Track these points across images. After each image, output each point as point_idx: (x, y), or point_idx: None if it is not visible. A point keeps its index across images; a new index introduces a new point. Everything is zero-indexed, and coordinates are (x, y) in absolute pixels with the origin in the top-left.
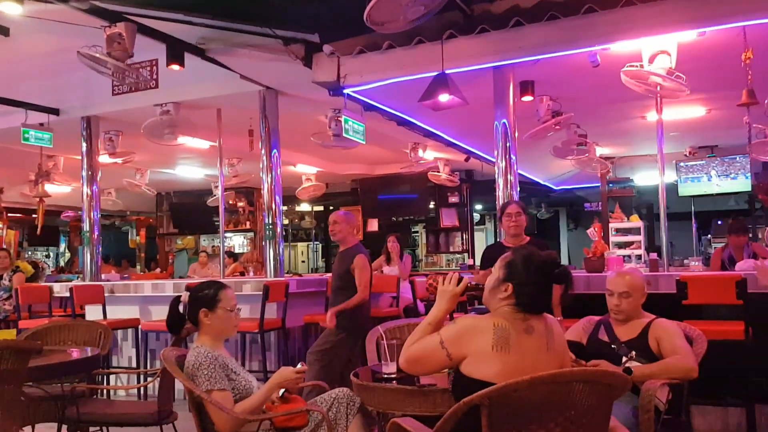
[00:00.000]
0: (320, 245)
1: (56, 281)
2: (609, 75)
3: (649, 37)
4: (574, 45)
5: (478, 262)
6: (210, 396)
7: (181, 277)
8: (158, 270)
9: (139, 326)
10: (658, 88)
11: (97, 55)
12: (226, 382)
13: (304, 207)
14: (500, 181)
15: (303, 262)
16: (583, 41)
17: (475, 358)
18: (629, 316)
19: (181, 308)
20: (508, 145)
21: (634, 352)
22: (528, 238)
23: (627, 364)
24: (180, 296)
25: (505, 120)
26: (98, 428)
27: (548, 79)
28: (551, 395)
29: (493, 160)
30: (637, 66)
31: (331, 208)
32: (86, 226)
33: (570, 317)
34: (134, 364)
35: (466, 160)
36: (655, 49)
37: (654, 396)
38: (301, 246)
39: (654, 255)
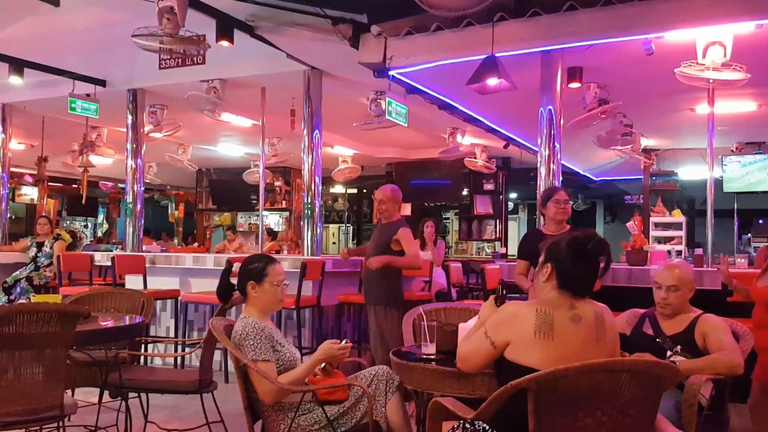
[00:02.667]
0: (351, 227)
1: (95, 251)
2: (660, 64)
3: (704, 27)
4: (628, 32)
5: (510, 252)
6: (255, 365)
7: (218, 252)
8: (195, 245)
9: (179, 297)
10: (711, 81)
11: (150, 43)
12: (271, 353)
13: (338, 189)
14: (542, 170)
15: (333, 243)
16: (637, 28)
17: (517, 343)
18: (676, 310)
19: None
20: (552, 132)
21: (679, 347)
22: (569, 227)
23: (672, 359)
24: (231, 266)
25: (551, 106)
26: (136, 394)
27: (597, 66)
28: (600, 384)
29: (534, 147)
30: (692, 66)
31: (364, 191)
32: (129, 198)
33: (614, 310)
34: (172, 334)
35: (506, 146)
36: (709, 40)
37: (698, 391)
38: (333, 228)
39: (699, 250)
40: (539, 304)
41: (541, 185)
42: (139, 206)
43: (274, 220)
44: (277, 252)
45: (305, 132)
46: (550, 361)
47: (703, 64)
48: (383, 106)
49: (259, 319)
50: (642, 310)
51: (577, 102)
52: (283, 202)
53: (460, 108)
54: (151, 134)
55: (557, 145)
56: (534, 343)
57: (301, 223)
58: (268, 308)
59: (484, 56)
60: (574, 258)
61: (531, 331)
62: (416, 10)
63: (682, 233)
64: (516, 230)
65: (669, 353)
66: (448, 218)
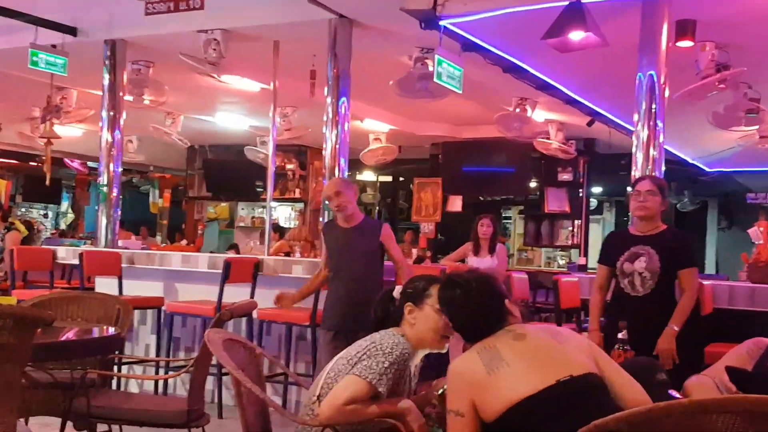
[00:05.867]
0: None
1: (58, 246)
2: None
3: None
4: None
5: (591, 263)
6: (355, 379)
7: (212, 252)
8: (184, 242)
9: (163, 307)
10: None
11: None
12: (384, 387)
13: (367, 175)
14: (638, 156)
15: None
16: None
17: (483, 395)
18: None
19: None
20: (653, 107)
21: None
22: (665, 227)
23: None
24: (392, 289)
25: (652, 71)
26: (107, 426)
27: (715, 20)
28: (711, 425)
29: (629, 126)
30: None
31: (401, 179)
32: (103, 181)
33: (731, 341)
34: (153, 353)
35: (590, 124)
36: None
37: None
38: None
39: None
40: (478, 345)
41: (636, 176)
42: (115, 191)
43: (284, 213)
44: (287, 254)
45: (329, 100)
46: (522, 380)
47: None
48: (431, 67)
49: (412, 348)
50: None
51: (688, 66)
52: (296, 190)
53: (532, 71)
54: (129, 98)
55: (659, 124)
56: (494, 381)
57: (320, 218)
58: (425, 340)
59: (566, 2)
60: (448, 306)
61: (485, 375)
62: None
63: None
64: (599, 234)
65: None
66: (510, 217)
